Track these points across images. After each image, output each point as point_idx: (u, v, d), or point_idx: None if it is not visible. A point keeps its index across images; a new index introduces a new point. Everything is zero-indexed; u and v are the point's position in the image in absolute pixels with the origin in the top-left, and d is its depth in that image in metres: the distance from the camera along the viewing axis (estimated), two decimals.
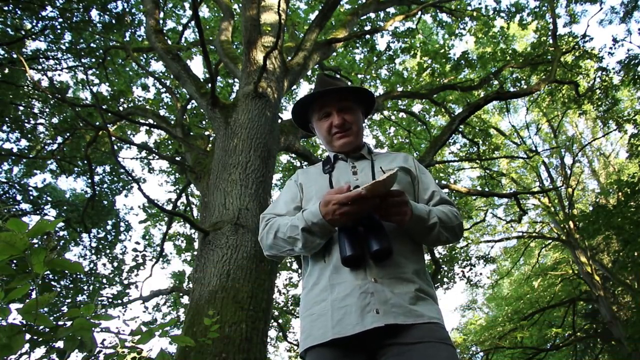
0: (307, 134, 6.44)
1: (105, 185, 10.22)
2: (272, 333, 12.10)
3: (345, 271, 1.36)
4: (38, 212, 9.22)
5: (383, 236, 1.31)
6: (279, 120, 6.09)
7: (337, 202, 1.30)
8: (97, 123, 7.26)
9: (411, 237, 1.46)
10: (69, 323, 1.43)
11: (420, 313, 1.28)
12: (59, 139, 9.12)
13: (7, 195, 9.01)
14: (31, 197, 9.14)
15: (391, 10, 9.32)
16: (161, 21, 7.67)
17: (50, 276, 8.12)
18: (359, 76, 10.34)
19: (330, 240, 1.43)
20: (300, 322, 1.44)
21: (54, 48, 8.01)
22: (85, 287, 9.59)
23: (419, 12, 9.09)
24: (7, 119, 8.03)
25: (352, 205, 1.29)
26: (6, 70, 7.67)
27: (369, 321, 1.25)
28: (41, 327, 1.33)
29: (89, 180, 8.83)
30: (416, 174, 1.62)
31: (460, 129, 9.50)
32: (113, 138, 6.47)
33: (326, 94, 1.64)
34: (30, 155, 9.09)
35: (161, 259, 10.42)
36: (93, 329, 1.43)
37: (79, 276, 9.14)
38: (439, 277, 11.67)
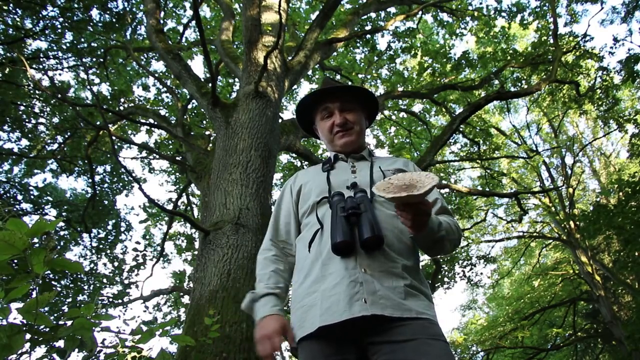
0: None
1: (105, 185, 10.22)
2: None
3: (336, 261, 1.35)
4: (38, 211, 9.21)
5: (374, 225, 1.31)
6: (280, 120, 6.09)
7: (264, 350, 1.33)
8: (98, 123, 7.25)
9: (417, 245, 1.45)
10: (69, 323, 1.43)
11: (408, 307, 1.27)
12: (60, 139, 9.12)
13: (8, 194, 9.00)
14: (32, 197, 9.13)
15: (392, 10, 9.30)
16: (162, 21, 7.67)
17: (51, 276, 8.12)
18: (360, 76, 10.33)
19: (322, 232, 1.43)
20: (292, 316, 1.42)
21: (55, 47, 8.01)
22: (86, 287, 9.57)
23: (420, 12, 9.07)
24: (7, 118, 8.02)
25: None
26: (7, 70, 7.66)
27: (357, 309, 1.24)
28: (41, 326, 1.32)
29: (90, 180, 8.84)
30: None
31: (460, 129, 9.49)
32: (114, 138, 6.46)
33: (329, 93, 1.65)
34: (31, 155, 9.08)
35: (162, 258, 10.42)
36: (93, 328, 1.43)
37: (79, 276, 9.13)
38: (440, 277, 11.66)
